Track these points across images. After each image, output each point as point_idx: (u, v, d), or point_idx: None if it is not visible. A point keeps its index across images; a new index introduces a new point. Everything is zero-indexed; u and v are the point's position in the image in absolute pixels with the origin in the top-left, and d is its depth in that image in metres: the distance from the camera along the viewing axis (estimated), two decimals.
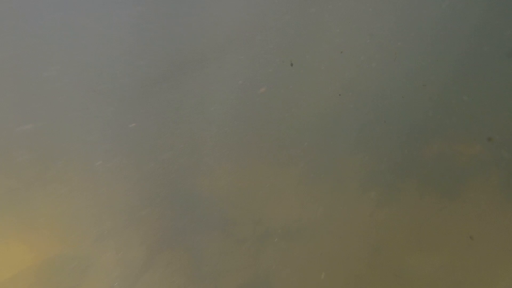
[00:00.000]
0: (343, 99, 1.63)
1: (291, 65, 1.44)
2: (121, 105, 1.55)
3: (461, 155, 1.66)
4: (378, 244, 1.73)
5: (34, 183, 1.54)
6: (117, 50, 1.48)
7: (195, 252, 1.76)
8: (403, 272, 1.73)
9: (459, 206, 1.69)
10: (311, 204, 1.73)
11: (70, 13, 1.39)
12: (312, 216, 1.74)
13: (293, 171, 1.72)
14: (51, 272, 1.66)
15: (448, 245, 1.72)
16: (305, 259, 1.76)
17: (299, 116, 1.66)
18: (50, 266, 1.66)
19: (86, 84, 1.49)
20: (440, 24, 1.47)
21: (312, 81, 1.62)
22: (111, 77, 1.50)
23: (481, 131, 1.60)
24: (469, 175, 1.68)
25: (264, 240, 1.75)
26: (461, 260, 1.69)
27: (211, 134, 1.66)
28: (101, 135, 1.58)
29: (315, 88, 1.65)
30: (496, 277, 1.66)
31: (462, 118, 1.59)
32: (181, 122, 1.62)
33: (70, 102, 1.50)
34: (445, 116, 1.62)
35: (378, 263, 1.73)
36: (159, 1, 1.43)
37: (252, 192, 1.73)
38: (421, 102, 1.62)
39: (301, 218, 1.74)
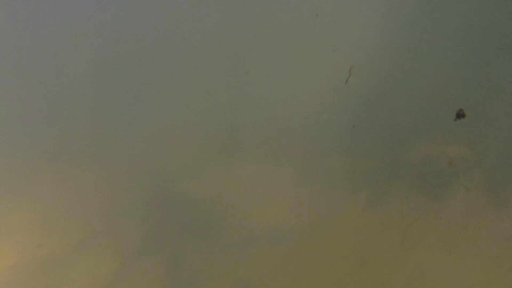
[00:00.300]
0: (332, 100, 1.61)
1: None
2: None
3: (446, 157, 1.67)
4: (366, 248, 1.71)
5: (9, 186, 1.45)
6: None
7: (174, 260, 1.69)
8: (391, 275, 1.72)
9: (444, 208, 1.70)
10: (298, 207, 1.70)
11: None
12: (299, 220, 1.70)
13: (279, 174, 1.69)
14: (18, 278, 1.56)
15: (435, 248, 1.72)
16: (291, 265, 1.73)
17: (287, 117, 1.63)
18: (15, 274, 1.55)
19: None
20: (426, 20, 1.48)
21: (301, 80, 1.59)
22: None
23: (467, 131, 1.61)
24: (454, 177, 1.69)
25: (249, 245, 1.70)
26: (450, 263, 1.70)
27: (193, 134, 1.61)
28: (79, 138, 1.50)
29: (304, 89, 1.62)
30: (487, 279, 1.67)
31: (449, 119, 1.60)
32: (160, 125, 1.56)
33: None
34: (432, 117, 1.63)
35: (366, 268, 1.71)
36: None
37: (237, 195, 1.67)
38: (408, 103, 1.63)
39: (288, 222, 1.70)
